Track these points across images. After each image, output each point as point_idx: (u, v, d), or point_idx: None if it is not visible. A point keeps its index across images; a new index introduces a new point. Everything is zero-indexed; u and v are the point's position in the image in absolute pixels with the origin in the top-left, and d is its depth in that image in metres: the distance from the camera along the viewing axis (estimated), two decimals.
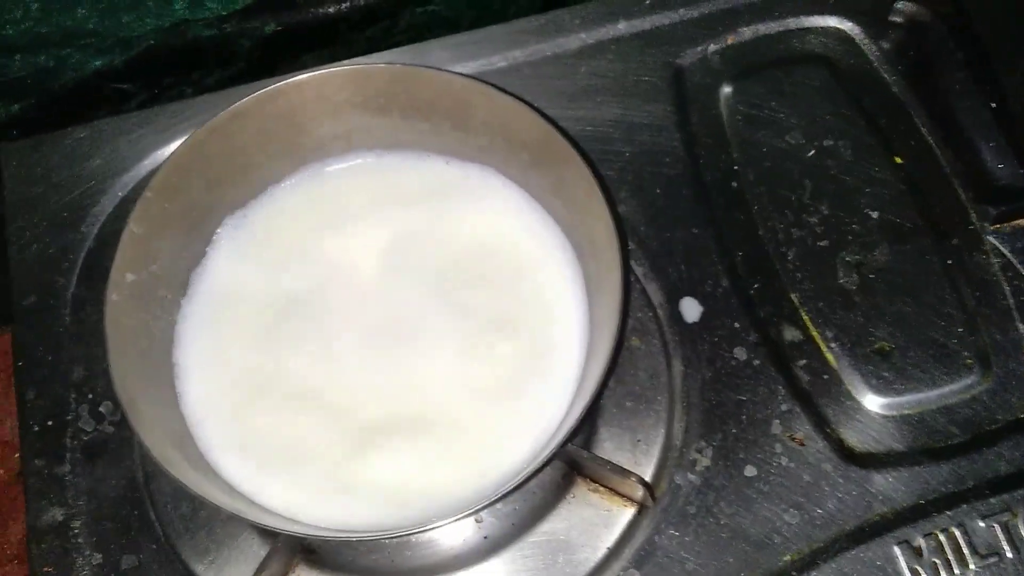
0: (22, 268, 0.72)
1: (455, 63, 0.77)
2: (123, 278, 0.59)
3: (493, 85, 0.63)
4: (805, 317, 0.69)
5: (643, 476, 0.63)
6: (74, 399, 0.68)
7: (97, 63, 0.78)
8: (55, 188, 0.74)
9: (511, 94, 0.63)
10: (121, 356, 0.57)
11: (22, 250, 0.72)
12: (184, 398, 0.62)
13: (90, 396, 0.67)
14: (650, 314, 0.69)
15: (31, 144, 0.75)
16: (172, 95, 0.83)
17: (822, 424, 0.66)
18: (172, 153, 0.62)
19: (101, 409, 0.67)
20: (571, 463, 0.64)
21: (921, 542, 0.62)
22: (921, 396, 0.67)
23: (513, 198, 0.68)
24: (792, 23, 0.80)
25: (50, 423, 0.67)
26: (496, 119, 0.64)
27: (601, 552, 0.63)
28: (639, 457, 0.65)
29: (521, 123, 0.63)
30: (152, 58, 0.79)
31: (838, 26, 0.79)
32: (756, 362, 0.68)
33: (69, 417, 0.67)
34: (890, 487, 0.64)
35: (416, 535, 0.63)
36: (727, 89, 0.77)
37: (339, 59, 0.72)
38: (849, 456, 0.65)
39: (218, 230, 0.67)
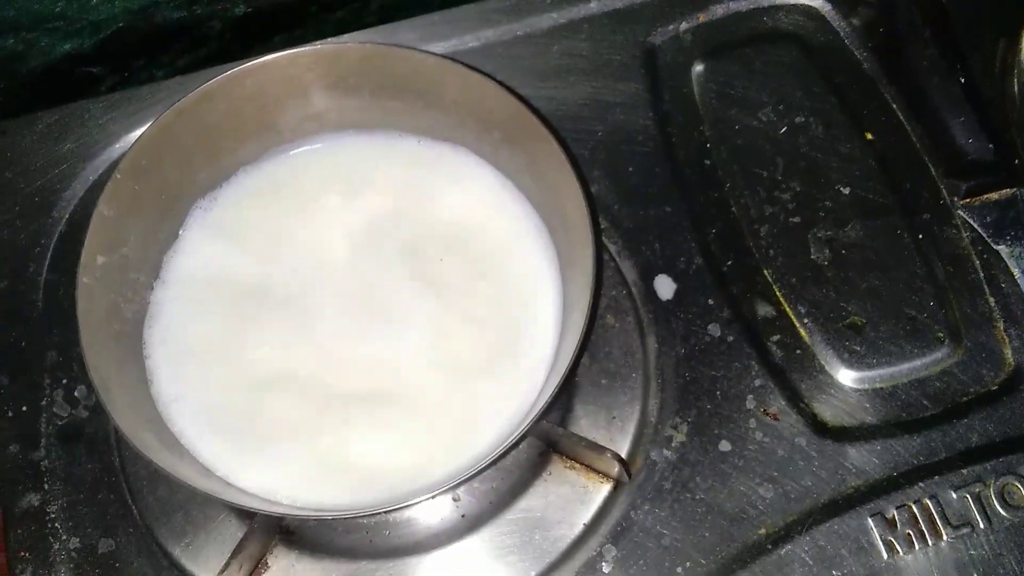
0: None
1: (426, 43, 0.77)
2: (94, 261, 0.59)
3: (464, 64, 0.63)
4: (778, 293, 0.69)
5: (619, 452, 0.63)
6: (48, 384, 0.67)
7: (66, 47, 0.77)
8: (25, 173, 0.73)
9: (483, 73, 0.63)
10: (94, 340, 0.57)
11: None
12: (157, 380, 0.62)
13: (64, 381, 0.67)
14: (624, 292, 0.69)
15: (0, 129, 0.75)
16: (142, 78, 0.82)
17: (796, 399, 0.66)
18: (141, 135, 0.62)
19: (76, 394, 0.67)
20: (547, 440, 0.64)
21: (894, 513, 0.63)
22: (893, 370, 0.67)
23: (486, 177, 0.68)
24: (763, 1, 0.80)
25: (25, 408, 0.67)
26: (468, 98, 0.64)
27: (578, 528, 0.63)
28: (614, 434, 0.65)
29: (493, 102, 0.63)
30: (122, 41, 0.78)
31: (809, 3, 0.79)
32: (730, 338, 0.68)
33: (44, 402, 0.67)
34: (863, 460, 0.65)
35: (394, 513, 0.64)
36: (699, 67, 0.77)
37: (310, 40, 0.72)
38: (822, 430, 0.66)
39: (190, 212, 0.67)
